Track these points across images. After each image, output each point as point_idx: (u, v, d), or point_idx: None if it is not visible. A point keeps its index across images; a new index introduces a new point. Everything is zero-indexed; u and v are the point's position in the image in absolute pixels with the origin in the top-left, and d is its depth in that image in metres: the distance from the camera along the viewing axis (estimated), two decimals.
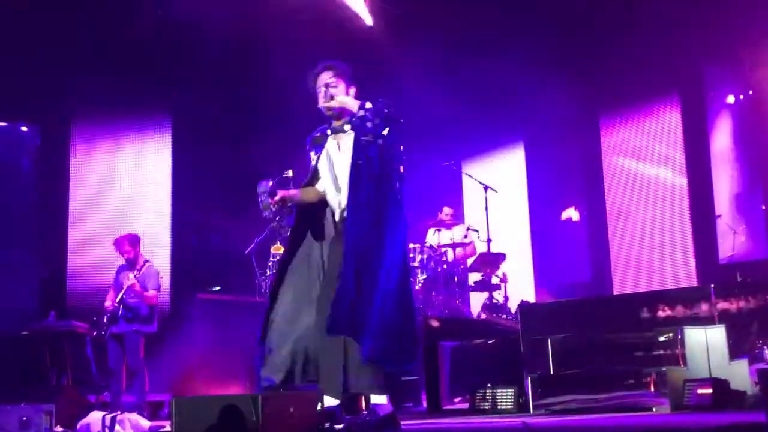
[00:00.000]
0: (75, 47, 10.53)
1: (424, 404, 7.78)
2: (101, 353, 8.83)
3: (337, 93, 4.99)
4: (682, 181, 10.93)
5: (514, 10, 10.53)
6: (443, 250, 10.12)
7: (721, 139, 10.85)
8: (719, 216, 10.50)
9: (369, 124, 4.81)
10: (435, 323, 8.02)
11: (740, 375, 5.87)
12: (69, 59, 10.61)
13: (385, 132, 4.82)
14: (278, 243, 6.08)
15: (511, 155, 12.71)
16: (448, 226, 10.58)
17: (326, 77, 5.02)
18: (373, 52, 10.78)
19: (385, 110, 4.84)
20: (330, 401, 4.70)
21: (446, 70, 10.92)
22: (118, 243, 8.87)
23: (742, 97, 10.69)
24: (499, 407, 6.67)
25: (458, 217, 11.43)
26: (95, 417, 6.41)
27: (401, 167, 4.96)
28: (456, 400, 7.85)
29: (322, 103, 5.03)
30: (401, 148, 4.97)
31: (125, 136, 11.48)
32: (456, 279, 10.00)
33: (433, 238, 10.54)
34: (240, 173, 10.43)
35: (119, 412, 6.57)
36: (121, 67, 10.66)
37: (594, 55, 10.66)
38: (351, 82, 5.09)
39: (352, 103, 4.96)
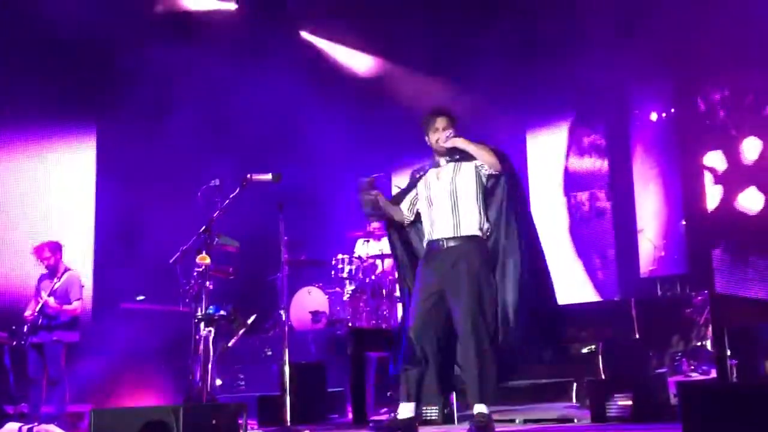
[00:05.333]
0: None
1: (350, 415, 7.76)
2: (20, 363, 8.60)
3: (452, 136, 5.59)
4: (605, 197, 11.17)
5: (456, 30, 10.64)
6: (372, 261, 10.12)
7: (644, 155, 11.10)
8: (641, 230, 10.73)
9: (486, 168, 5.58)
10: None
11: (660, 387, 5.99)
12: None
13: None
14: (203, 253, 5.97)
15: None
16: (378, 238, 10.57)
17: (444, 121, 5.65)
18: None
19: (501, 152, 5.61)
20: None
21: (377, 83, 10.96)
22: (37, 250, 8.65)
23: (664, 114, 10.95)
24: (424, 419, 6.69)
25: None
26: (11, 428, 6.24)
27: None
28: (382, 411, 7.86)
29: (439, 142, 5.62)
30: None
31: (47, 142, 11.19)
32: (384, 290, 10.00)
33: (362, 249, 10.52)
34: (166, 180, 10.27)
35: (36, 424, 6.40)
36: (44, 72, 10.39)
37: (520, 72, 10.79)
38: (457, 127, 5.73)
39: (469, 147, 5.56)
